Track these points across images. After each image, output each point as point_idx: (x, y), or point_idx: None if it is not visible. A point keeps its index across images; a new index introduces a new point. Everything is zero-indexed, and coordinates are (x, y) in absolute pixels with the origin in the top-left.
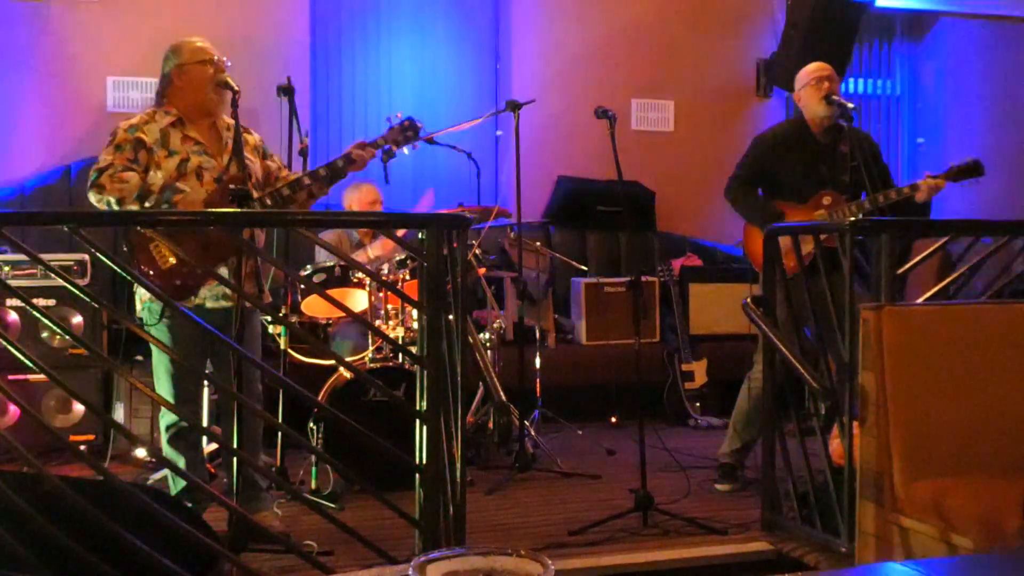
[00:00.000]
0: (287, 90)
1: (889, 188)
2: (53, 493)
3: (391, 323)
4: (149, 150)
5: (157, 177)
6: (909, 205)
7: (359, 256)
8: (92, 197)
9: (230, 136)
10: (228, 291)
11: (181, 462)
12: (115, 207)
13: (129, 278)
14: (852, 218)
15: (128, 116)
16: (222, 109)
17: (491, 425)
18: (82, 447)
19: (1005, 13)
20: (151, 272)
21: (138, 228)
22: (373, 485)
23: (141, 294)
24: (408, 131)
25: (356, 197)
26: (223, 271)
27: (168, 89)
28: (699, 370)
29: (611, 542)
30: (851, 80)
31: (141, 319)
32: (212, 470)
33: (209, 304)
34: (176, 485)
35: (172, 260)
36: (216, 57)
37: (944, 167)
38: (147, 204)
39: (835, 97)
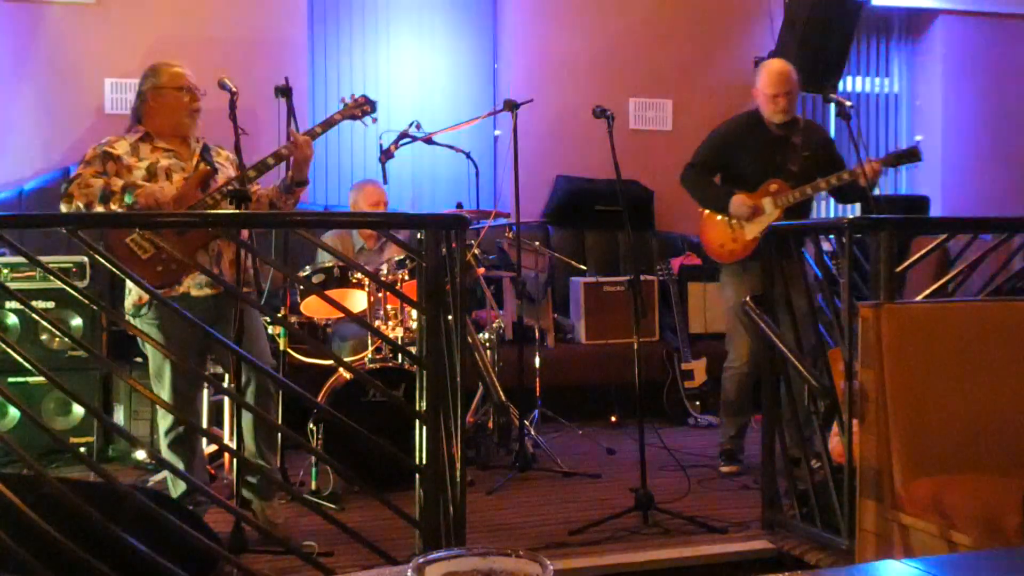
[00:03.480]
0: (285, 91)
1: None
2: (53, 495)
3: (390, 323)
4: (117, 159)
5: (119, 180)
6: (853, 189)
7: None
8: (62, 207)
9: (199, 147)
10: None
11: (181, 465)
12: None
13: (124, 276)
14: (845, 217)
15: (125, 117)
16: (193, 132)
17: (491, 425)
18: (82, 449)
19: (1003, 10)
20: (131, 268)
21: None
22: (373, 486)
23: (131, 296)
24: (364, 105)
25: (360, 197)
26: (204, 257)
27: (143, 107)
28: (698, 369)
29: (611, 541)
30: (849, 78)
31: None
32: (212, 471)
33: (194, 292)
34: (177, 488)
35: (151, 249)
36: (193, 86)
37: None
38: (113, 206)
39: (832, 95)
